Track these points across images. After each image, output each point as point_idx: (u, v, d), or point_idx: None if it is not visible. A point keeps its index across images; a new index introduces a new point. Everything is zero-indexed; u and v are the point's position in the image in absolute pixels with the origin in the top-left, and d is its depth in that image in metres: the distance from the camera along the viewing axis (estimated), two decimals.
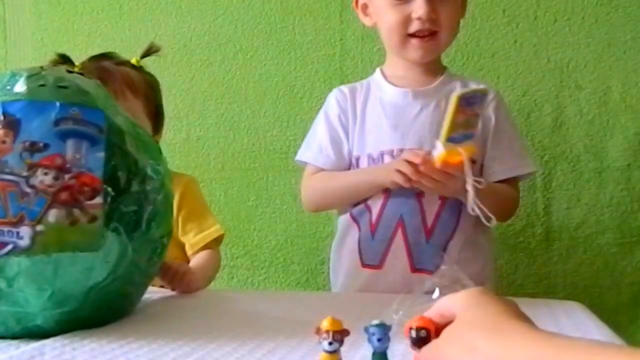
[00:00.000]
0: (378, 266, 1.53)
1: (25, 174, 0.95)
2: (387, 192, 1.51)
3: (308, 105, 2.11)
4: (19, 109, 0.99)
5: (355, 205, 1.58)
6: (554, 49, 2.01)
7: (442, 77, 1.62)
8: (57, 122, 0.99)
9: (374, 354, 0.78)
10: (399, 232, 1.51)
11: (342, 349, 0.76)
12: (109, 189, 1.01)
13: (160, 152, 1.20)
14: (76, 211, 0.97)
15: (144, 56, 1.77)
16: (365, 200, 1.55)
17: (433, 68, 1.62)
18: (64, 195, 0.96)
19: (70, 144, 0.99)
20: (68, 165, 0.97)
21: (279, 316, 1.12)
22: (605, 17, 1.99)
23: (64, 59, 1.49)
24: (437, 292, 0.97)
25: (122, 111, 1.16)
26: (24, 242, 0.94)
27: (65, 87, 1.06)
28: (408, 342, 0.77)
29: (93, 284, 1.01)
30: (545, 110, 2.01)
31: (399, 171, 1.41)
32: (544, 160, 2.01)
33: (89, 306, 1.03)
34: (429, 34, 1.54)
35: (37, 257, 0.95)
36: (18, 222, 0.94)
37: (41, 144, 0.97)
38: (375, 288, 1.52)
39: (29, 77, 1.05)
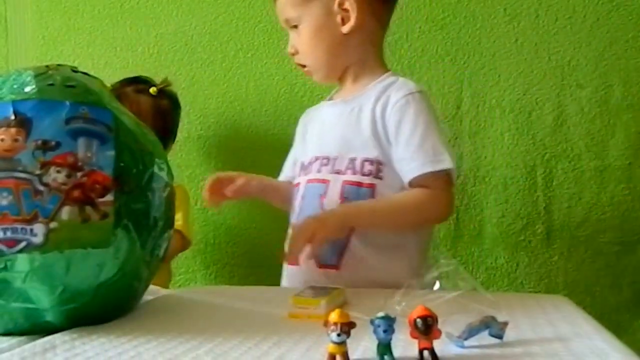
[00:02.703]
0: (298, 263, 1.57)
1: (38, 172, 0.96)
2: (303, 197, 1.58)
3: (309, 104, 2.09)
4: (29, 108, 1.00)
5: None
6: (555, 47, 2.02)
7: (368, 87, 1.59)
8: (67, 121, 1.00)
9: (379, 345, 0.80)
10: None
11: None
12: (119, 187, 1.02)
13: (164, 151, 1.21)
14: (88, 208, 0.97)
15: (160, 88, 2.02)
16: (294, 203, 1.63)
17: (358, 79, 1.63)
18: (76, 193, 0.97)
19: (81, 142, 1.00)
20: (80, 164, 0.98)
21: (281, 311, 1.13)
22: (606, 16, 1.99)
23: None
24: (437, 285, 0.99)
25: (127, 110, 1.17)
26: (38, 239, 0.94)
27: (73, 87, 1.07)
28: (409, 331, 0.81)
29: (103, 280, 1.02)
30: (547, 109, 2.02)
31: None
32: (545, 159, 2.02)
33: (98, 302, 1.04)
34: (301, 66, 1.64)
35: (50, 254, 0.95)
36: (32, 220, 0.94)
37: (53, 143, 0.97)
38: (296, 283, 1.57)
39: (36, 77, 1.06)
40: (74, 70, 1.15)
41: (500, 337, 0.91)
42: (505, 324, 0.92)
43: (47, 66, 1.11)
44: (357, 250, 1.51)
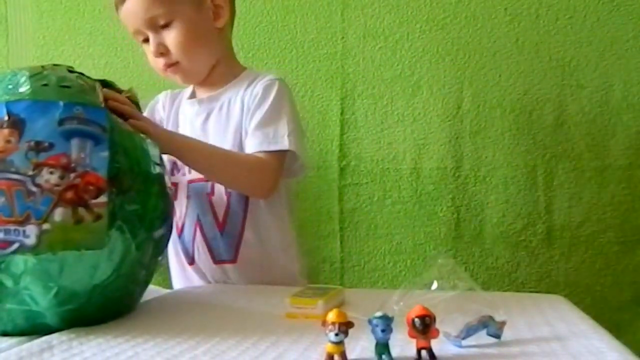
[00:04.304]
0: (191, 262, 1.62)
1: (31, 173, 0.96)
2: (188, 197, 1.60)
3: (309, 104, 2.11)
4: (23, 108, 1.00)
5: None
6: (556, 47, 2.01)
7: (232, 81, 1.64)
8: (61, 122, 1.00)
9: (377, 344, 0.81)
10: (198, 230, 1.59)
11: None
12: (113, 188, 1.02)
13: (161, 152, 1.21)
14: (81, 210, 0.98)
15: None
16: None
17: (220, 75, 1.65)
18: (69, 194, 0.97)
19: (74, 143, 1.00)
20: (73, 165, 0.98)
21: (279, 311, 1.13)
22: (607, 16, 1.98)
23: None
24: (435, 284, 1.00)
25: None
26: (30, 240, 0.95)
27: (68, 87, 1.07)
28: (407, 331, 0.82)
29: (98, 281, 1.02)
30: (547, 108, 2.01)
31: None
32: (546, 158, 2.01)
33: (94, 304, 1.04)
34: (171, 66, 1.58)
35: (43, 255, 0.96)
36: (24, 221, 0.95)
37: (46, 144, 0.98)
38: (193, 282, 1.63)
39: (31, 77, 1.06)
40: (71, 70, 1.15)
41: (497, 336, 0.92)
42: (503, 323, 0.93)
43: (42, 66, 1.11)
44: (251, 245, 1.57)
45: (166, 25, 1.54)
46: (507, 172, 2.02)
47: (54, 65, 1.14)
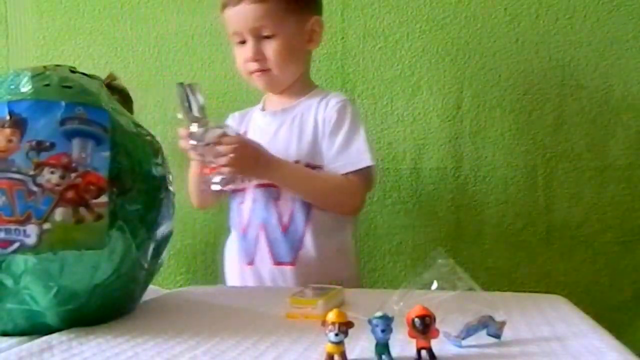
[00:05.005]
0: (250, 263, 1.68)
1: (32, 172, 0.96)
2: (254, 201, 1.69)
3: None
4: (25, 108, 1.00)
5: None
6: (556, 47, 2.01)
7: (305, 97, 1.76)
8: (63, 122, 1.00)
9: (377, 344, 0.81)
10: (262, 232, 1.67)
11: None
12: (114, 188, 1.02)
13: (163, 152, 1.21)
14: (82, 210, 0.98)
15: (107, 83, 1.83)
16: (239, 207, 1.74)
17: (295, 91, 1.77)
18: (70, 194, 0.97)
19: (76, 143, 1.00)
20: (74, 165, 0.98)
21: (279, 311, 1.14)
22: (607, 16, 1.98)
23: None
24: (435, 284, 1.01)
25: (125, 111, 1.18)
26: (31, 240, 0.95)
27: (69, 87, 1.07)
28: (407, 331, 0.83)
29: (98, 281, 1.02)
30: (547, 109, 2.01)
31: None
32: (546, 158, 2.01)
33: (94, 303, 1.04)
34: (261, 71, 1.70)
35: (44, 255, 0.96)
36: (25, 221, 0.95)
37: (47, 143, 0.98)
38: (248, 283, 1.69)
39: (33, 77, 1.06)
40: (73, 70, 1.15)
41: (497, 336, 0.92)
42: (503, 323, 0.93)
43: (44, 67, 1.11)
44: (311, 248, 1.64)
45: (268, 37, 1.66)
46: (507, 172, 2.02)
47: (56, 65, 1.14)
